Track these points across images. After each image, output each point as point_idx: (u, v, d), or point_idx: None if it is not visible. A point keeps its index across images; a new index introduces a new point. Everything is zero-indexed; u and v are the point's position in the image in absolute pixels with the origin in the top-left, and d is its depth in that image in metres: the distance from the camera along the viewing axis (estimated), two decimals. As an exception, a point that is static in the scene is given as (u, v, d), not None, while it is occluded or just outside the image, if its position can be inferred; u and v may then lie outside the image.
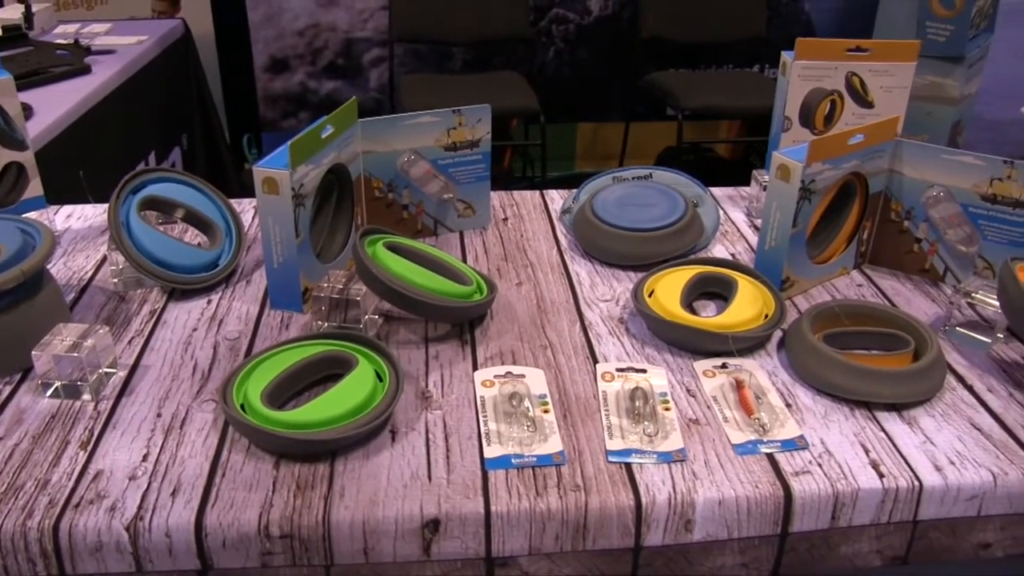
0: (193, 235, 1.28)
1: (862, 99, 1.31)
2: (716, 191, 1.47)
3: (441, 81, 3.57)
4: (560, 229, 1.33)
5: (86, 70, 2.32)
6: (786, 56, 1.31)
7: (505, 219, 1.36)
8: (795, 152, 1.07)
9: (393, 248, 1.08)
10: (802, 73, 1.29)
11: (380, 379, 0.93)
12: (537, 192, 1.46)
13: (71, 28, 2.79)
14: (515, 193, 1.45)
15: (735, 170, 3.90)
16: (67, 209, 1.39)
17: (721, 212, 1.40)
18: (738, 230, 1.34)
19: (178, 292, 1.15)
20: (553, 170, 3.87)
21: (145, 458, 0.85)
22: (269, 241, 1.07)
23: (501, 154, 3.90)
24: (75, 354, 0.93)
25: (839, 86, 1.30)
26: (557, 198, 1.44)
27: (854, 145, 1.11)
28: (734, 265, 1.14)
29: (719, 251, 1.27)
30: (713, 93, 3.46)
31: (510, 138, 3.87)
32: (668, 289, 1.07)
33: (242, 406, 0.89)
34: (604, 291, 1.15)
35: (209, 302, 1.13)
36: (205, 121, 3.00)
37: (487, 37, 3.58)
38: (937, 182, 1.17)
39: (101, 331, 0.96)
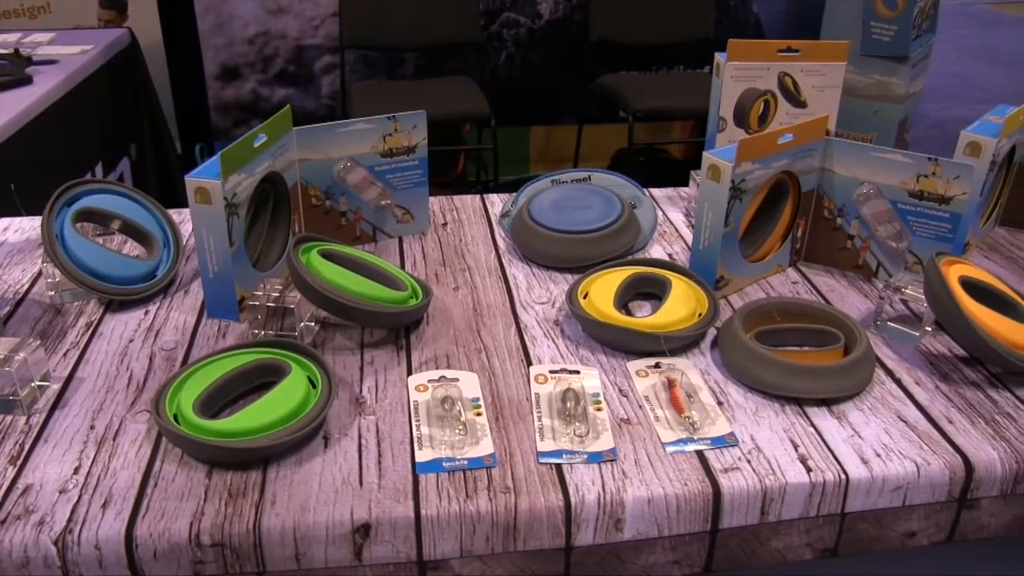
0: (133, 246, 1.27)
1: (795, 99, 1.33)
2: (656, 192, 1.49)
3: (392, 87, 3.57)
4: (499, 233, 1.34)
5: (27, 80, 2.29)
6: (719, 57, 1.33)
7: (445, 224, 1.36)
8: (725, 152, 1.08)
9: (328, 255, 1.08)
10: (735, 74, 1.30)
11: (313, 386, 0.94)
12: (478, 196, 1.46)
13: (12, 37, 2.76)
14: (455, 198, 1.45)
15: (687, 171, 3.93)
16: (4, 222, 1.38)
17: (660, 212, 1.41)
18: (676, 230, 1.36)
19: (115, 304, 1.14)
20: (507, 174, 3.87)
21: (76, 471, 0.85)
22: (204, 251, 1.07)
23: (455, 159, 3.90)
24: (6, 368, 0.92)
25: (772, 86, 1.32)
26: (497, 202, 1.44)
27: (784, 144, 1.13)
28: (669, 265, 1.15)
29: (656, 251, 1.29)
30: (663, 95, 3.49)
31: (463, 143, 3.88)
32: (602, 291, 1.08)
33: (175, 416, 0.89)
34: (540, 294, 1.16)
35: (146, 313, 1.12)
36: (154, 131, 2.97)
37: (437, 42, 3.58)
38: (867, 180, 1.19)
39: (33, 344, 0.96)
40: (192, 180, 1.03)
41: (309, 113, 3.74)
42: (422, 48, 3.65)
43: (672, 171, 4.06)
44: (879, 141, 3.73)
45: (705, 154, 1.09)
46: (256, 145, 1.09)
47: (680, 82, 3.68)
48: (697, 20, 3.70)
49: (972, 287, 1.05)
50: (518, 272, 1.22)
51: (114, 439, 0.89)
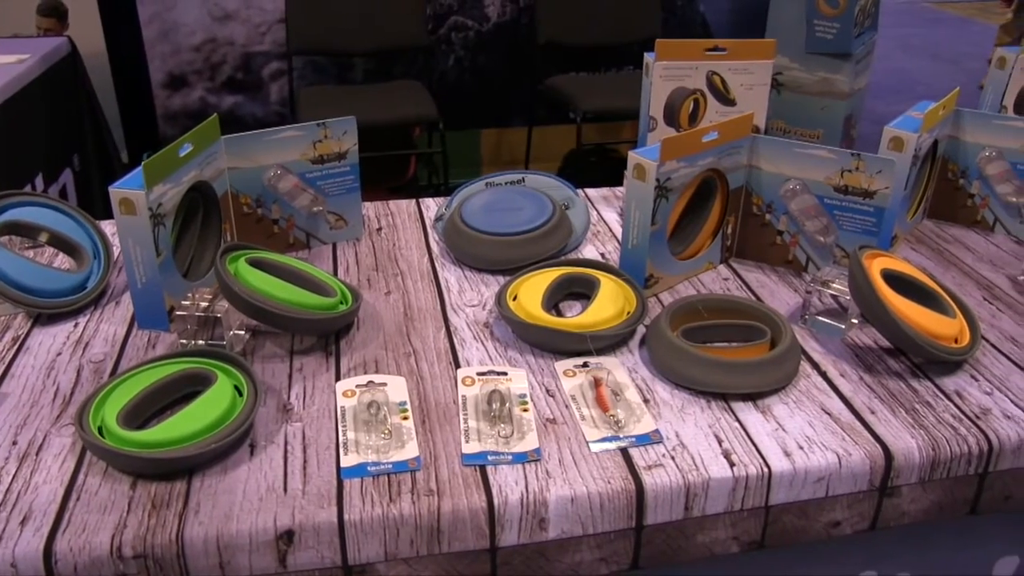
0: (64, 259, 1.26)
1: (724, 97, 1.35)
2: (591, 192, 1.50)
3: (341, 92, 3.55)
4: (433, 237, 1.34)
5: (-37, 92, 2.26)
6: (648, 57, 1.34)
7: (379, 229, 1.36)
8: (649, 151, 1.09)
9: (256, 263, 1.07)
10: (663, 73, 1.32)
11: (240, 394, 0.93)
12: (413, 201, 1.46)
13: (-51, 49, 2.71)
14: (391, 203, 1.45)
15: (639, 170, 3.95)
16: (-68, 237, 1.36)
17: (594, 212, 1.42)
18: (610, 230, 1.37)
19: (43, 317, 1.13)
20: (460, 177, 3.86)
21: (-4, 488, 0.84)
22: (131, 262, 1.06)
23: (405, 163, 3.90)
24: (-74, 385, 0.91)
25: (701, 85, 1.33)
26: (433, 206, 1.45)
27: (709, 142, 1.14)
28: (599, 265, 1.16)
29: (589, 251, 1.30)
30: (611, 95, 3.51)
31: (414, 147, 3.88)
32: (531, 292, 1.09)
33: (100, 429, 0.88)
34: (472, 296, 1.17)
35: (76, 325, 1.11)
36: (98, 141, 2.94)
37: (385, 47, 3.58)
38: (793, 176, 1.20)
39: (-46, 360, 0.95)
40: (116, 191, 1.02)
41: (259, 120, 3.72)
42: (370, 53, 3.64)
43: (623, 171, 4.08)
44: (826, 137, 3.78)
45: (630, 153, 1.10)
46: (182, 154, 1.08)
47: (628, 82, 3.70)
48: (644, 20, 3.73)
49: (894, 280, 1.07)
50: (450, 275, 1.22)
51: (37, 454, 0.88)
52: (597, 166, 4.06)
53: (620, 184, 1.53)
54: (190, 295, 1.05)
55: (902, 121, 1.24)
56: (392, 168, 3.92)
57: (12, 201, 1.18)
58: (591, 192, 1.50)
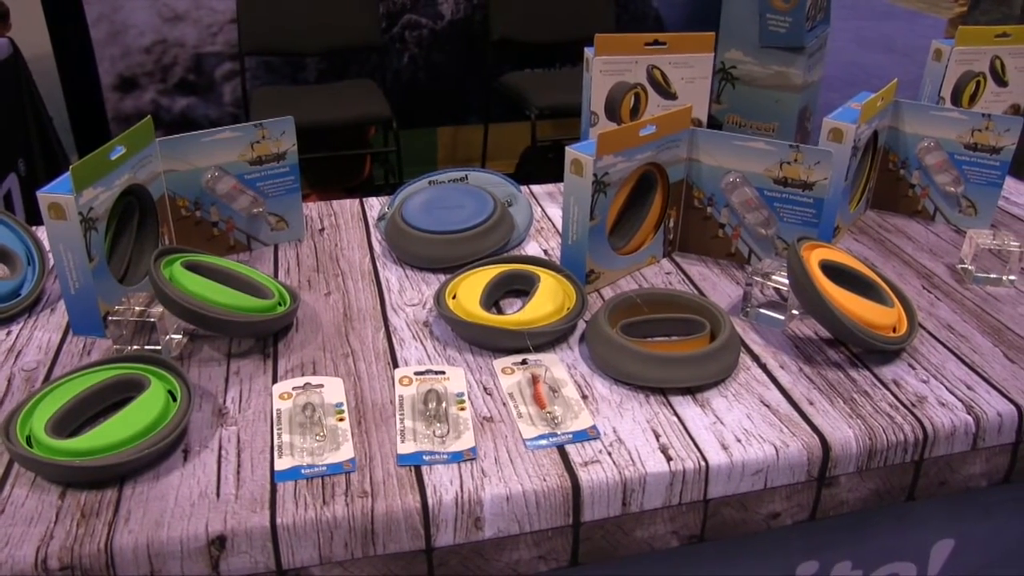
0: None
1: (665, 91, 1.35)
2: (536, 188, 1.49)
3: (294, 93, 3.53)
4: (376, 236, 1.33)
5: (-98, 98, 2.21)
6: (588, 52, 1.34)
7: (322, 229, 1.35)
8: (587, 146, 1.09)
9: (191, 267, 1.06)
10: (603, 68, 1.32)
11: (174, 399, 0.92)
12: (356, 200, 1.45)
13: None
14: (334, 203, 1.44)
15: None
16: None
17: (538, 209, 1.42)
18: (554, 226, 1.36)
19: (-25, 325, 1.11)
20: (415, 175, 3.84)
21: (-81, 502, 0.82)
22: (63, 267, 1.04)
23: (361, 163, 3.88)
24: None
25: (641, 79, 1.34)
26: (377, 205, 1.43)
27: (647, 136, 1.14)
28: (539, 261, 1.16)
29: (532, 248, 1.29)
30: (565, 92, 3.51)
31: (369, 146, 3.86)
32: (469, 290, 1.08)
33: (28, 438, 0.87)
34: (412, 296, 1.16)
35: (8, 333, 1.09)
36: (44, 144, 2.89)
37: (338, 46, 3.55)
38: (733, 168, 1.20)
39: None
40: (44, 196, 1.00)
41: (212, 122, 3.68)
42: (323, 52, 3.62)
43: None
44: (781, 129, 3.81)
45: (567, 149, 1.09)
46: (113, 157, 1.07)
47: (582, 79, 3.70)
48: (597, 16, 3.73)
49: (833, 270, 1.07)
50: (391, 275, 1.21)
51: (-37, 465, 0.87)
52: (555, 162, 4.06)
53: (565, 180, 1.52)
54: (124, 300, 1.03)
55: (842, 112, 1.25)
56: (347, 168, 3.90)
57: (-58, 208, 1.15)
58: (536, 189, 1.50)
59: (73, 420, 0.90)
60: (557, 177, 1.45)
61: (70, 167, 0.99)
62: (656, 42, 1.32)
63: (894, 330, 1.05)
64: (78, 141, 3.56)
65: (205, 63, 3.61)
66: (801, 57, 3.65)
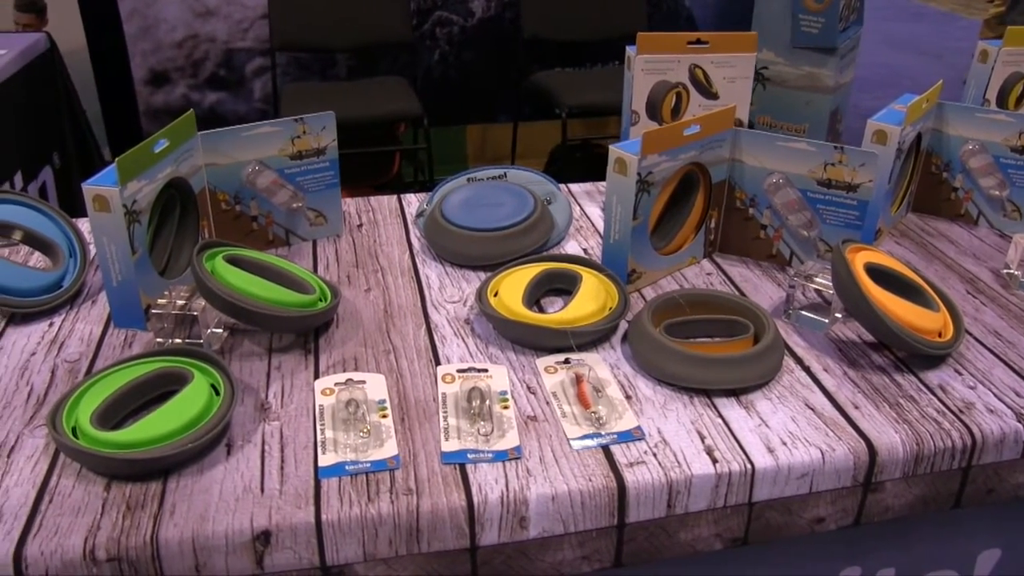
0: (39, 258, 1.24)
1: (706, 91, 1.34)
2: (574, 187, 1.49)
3: (324, 89, 3.53)
4: (414, 233, 1.32)
5: (-60, 89, 2.23)
6: (629, 51, 1.33)
7: (360, 225, 1.35)
8: (630, 145, 1.08)
9: (234, 260, 1.06)
10: (645, 67, 1.31)
11: (217, 393, 0.92)
12: (395, 196, 1.45)
13: (-74, 46, 2.68)
14: (372, 199, 1.44)
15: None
16: (-94, 236, 1.34)
17: (577, 208, 1.41)
18: (592, 225, 1.36)
19: (18, 316, 1.11)
20: (445, 173, 3.85)
21: (-34, 491, 0.82)
22: (105, 260, 1.04)
23: (390, 160, 3.88)
24: None
25: (683, 78, 1.33)
26: (414, 201, 1.43)
27: (691, 136, 1.13)
28: (580, 260, 1.15)
29: (571, 247, 1.28)
30: (595, 91, 3.50)
31: (398, 143, 3.86)
32: (511, 288, 1.08)
33: (73, 429, 0.87)
34: (453, 293, 1.16)
35: (51, 325, 1.10)
36: (78, 138, 2.91)
37: (369, 43, 3.56)
38: (776, 169, 1.19)
39: (-75, 361, 0.93)
40: (89, 188, 1.01)
41: (241, 117, 3.70)
42: (353, 49, 3.62)
43: (608, 166, 4.07)
44: (811, 131, 3.78)
45: (611, 148, 1.09)
46: (157, 150, 1.07)
47: (613, 77, 3.69)
48: (629, 15, 3.71)
49: (878, 273, 1.06)
50: (431, 272, 1.21)
51: (9, 455, 0.87)
52: (584, 162, 4.05)
53: (605, 179, 1.51)
54: (166, 293, 1.03)
55: (885, 114, 1.23)
56: (376, 165, 3.90)
57: (-15, 199, 1.16)
58: (574, 187, 1.49)
59: (117, 412, 0.91)
60: (586, 176, 1.44)
61: (116, 159, 0.99)
62: (699, 41, 1.30)
63: (940, 335, 1.04)
64: (109, 135, 3.58)
65: (236, 59, 3.63)
66: (833, 58, 3.62)
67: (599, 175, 1.46)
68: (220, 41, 3.58)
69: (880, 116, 1.22)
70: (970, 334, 1.09)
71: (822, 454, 0.88)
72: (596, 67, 3.94)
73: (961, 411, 0.94)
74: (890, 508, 0.93)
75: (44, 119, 2.71)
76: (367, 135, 3.76)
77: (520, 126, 3.89)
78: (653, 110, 1.34)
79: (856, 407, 0.95)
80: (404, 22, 3.54)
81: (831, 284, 1.07)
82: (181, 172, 1.13)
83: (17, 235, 1.17)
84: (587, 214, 1.39)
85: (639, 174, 1.08)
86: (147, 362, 0.96)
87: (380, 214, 1.39)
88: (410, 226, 1.35)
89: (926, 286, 1.09)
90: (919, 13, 7.96)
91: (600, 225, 1.35)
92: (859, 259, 1.06)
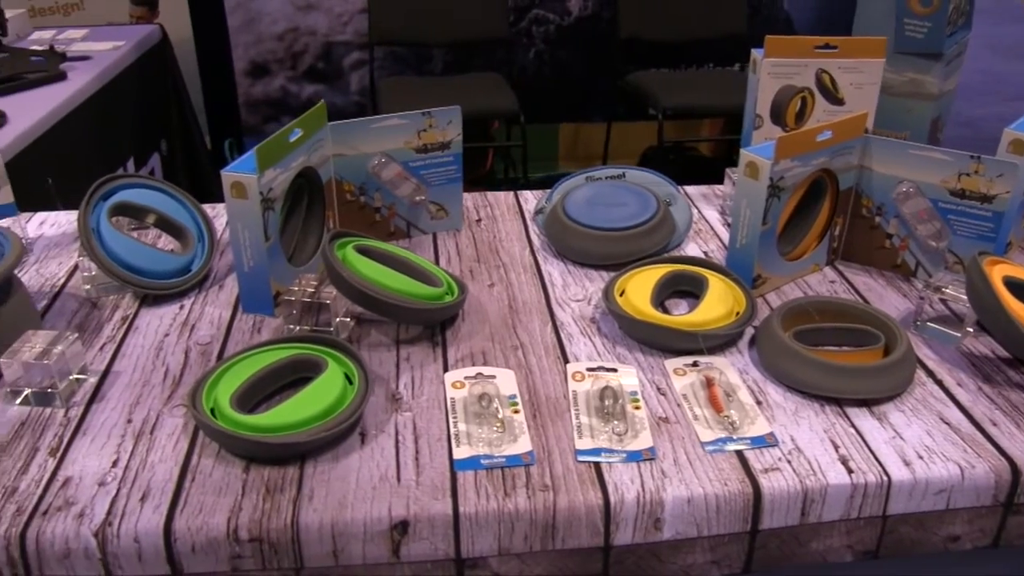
0: (167, 241, 1.28)
1: (832, 96, 1.32)
2: (690, 189, 1.48)
3: (421, 83, 3.56)
4: (533, 230, 1.33)
5: (61, 76, 2.31)
6: (756, 54, 1.31)
7: (479, 220, 1.36)
8: (763, 149, 1.07)
9: (363, 251, 1.08)
10: (772, 71, 1.29)
11: (350, 382, 0.93)
12: (511, 193, 1.46)
13: (47, 34, 2.78)
14: (489, 194, 1.45)
15: (717, 168, 3.91)
16: (40, 216, 1.39)
17: (695, 210, 1.40)
18: (711, 228, 1.34)
19: (150, 298, 1.14)
20: (535, 171, 3.87)
21: (115, 464, 0.85)
22: (239, 245, 1.07)
23: (483, 156, 3.90)
24: (44, 361, 0.92)
25: (809, 83, 1.31)
26: (531, 199, 1.44)
27: (822, 142, 1.11)
28: (705, 263, 1.14)
29: (692, 249, 1.28)
30: (693, 92, 3.47)
31: (491, 140, 3.88)
32: (638, 288, 1.07)
33: (212, 411, 0.89)
34: (576, 291, 1.16)
35: (181, 307, 1.12)
36: (184, 127, 2.99)
37: (466, 39, 3.58)
38: (906, 178, 1.17)
39: (71, 338, 0.96)
40: (228, 175, 1.03)
41: (339, 110, 3.75)
42: (450, 44, 3.65)
43: (702, 169, 4.03)
44: (912, 139, 3.69)
45: (743, 151, 1.08)
46: (291, 140, 1.09)
47: (710, 79, 3.66)
48: (728, 17, 3.67)
49: (1016, 287, 1.03)
50: (553, 269, 1.21)
51: (151, 433, 0.89)
52: (676, 163, 4.02)
53: (700, 182, 1.50)
54: (297, 280, 1.05)
55: (1023, 123, 1.20)
56: (469, 161, 3.92)
57: (122, 183, 1.19)
58: (690, 189, 1.48)
59: (254, 395, 0.93)
60: (679, 178, 1.42)
61: (255, 147, 1.01)
62: (827, 46, 1.28)
63: (1080, 353, 1.01)
64: (210, 124, 3.66)
65: (334, 52, 3.68)
66: (938, 64, 3.53)
67: (692, 177, 1.45)
68: (320, 34, 3.63)
69: (1018, 125, 1.19)
70: (1110, 353, 1.05)
71: (960, 470, 0.86)
72: (691, 69, 3.91)
73: (1106, 432, 0.91)
74: (1030, 529, 0.90)
75: (155, 107, 2.79)
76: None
77: (612, 126, 3.88)
78: (777, 114, 1.32)
79: (994, 424, 0.92)
80: (501, 19, 3.55)
81: (963, 296, 1.04)
82: (312, 162, 1.15)
83: (151, 218, 1.20)
84: (705, 217, 1.38)
85: (771, 178, 1.06)
86: (282, 348, 0.97)
87: (498, 209, 1.40)
88: (528, 222, 1.35)
89: (1065, 302, 1.06)
90: (1022, 16, 7.71)
91: (719, 228, 1.34)
92: (996, 272, 1.03)
